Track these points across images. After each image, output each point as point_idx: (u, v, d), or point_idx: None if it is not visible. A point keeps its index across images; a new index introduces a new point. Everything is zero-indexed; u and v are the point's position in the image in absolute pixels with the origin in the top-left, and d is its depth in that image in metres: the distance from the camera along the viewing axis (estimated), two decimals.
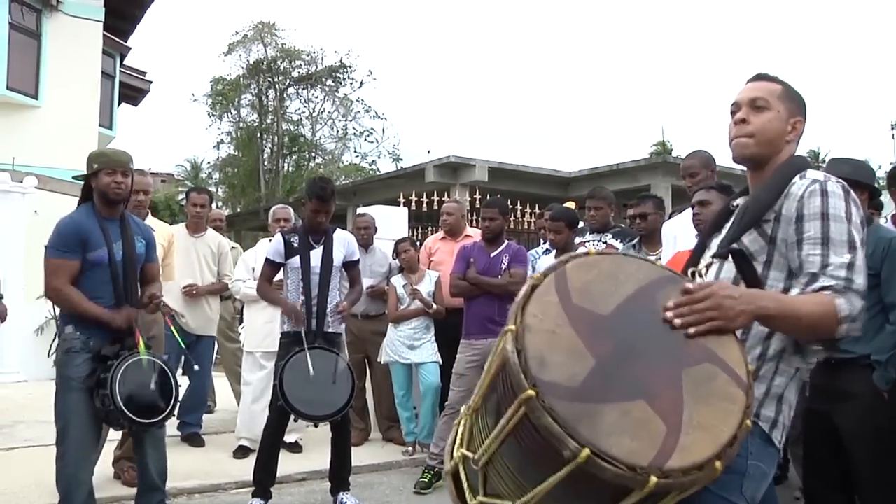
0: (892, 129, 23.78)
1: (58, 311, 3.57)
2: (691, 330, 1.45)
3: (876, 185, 3.20)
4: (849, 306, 1.51)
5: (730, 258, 1.70)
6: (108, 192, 3.32)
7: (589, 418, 1.29)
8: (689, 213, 3.53)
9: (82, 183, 3.47)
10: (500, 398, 1.46)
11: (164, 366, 3.35)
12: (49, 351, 3.46)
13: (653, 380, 1.36)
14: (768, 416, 1.63)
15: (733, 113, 1.80)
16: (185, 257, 5.24)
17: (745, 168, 1.86)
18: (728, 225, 1.82)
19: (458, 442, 1.63)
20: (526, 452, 1.39)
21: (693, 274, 1.67)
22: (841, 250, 1.56)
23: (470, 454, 1.54)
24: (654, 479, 1.25)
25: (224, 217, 5.95)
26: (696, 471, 1.29)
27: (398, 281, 5.43)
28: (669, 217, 4.42)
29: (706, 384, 1.38)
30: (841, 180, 1.66)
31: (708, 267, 1.77)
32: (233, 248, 6.27)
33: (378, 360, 5.49)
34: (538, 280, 1.49)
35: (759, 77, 1.84)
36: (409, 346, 5.26)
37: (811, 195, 1.62)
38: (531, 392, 1.30)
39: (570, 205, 5.46)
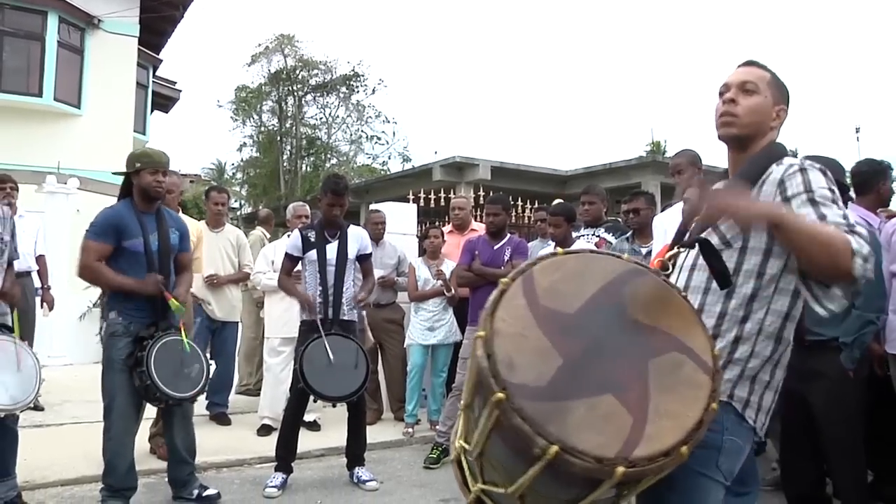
0: (857, 132, 23.68)
1: (95, 299, 3.62)
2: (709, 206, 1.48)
3: (845, 181, 3.19)
4: (858, 242, 1.40)
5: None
6: (150, 189, 3.37)
7: (557, 416, 1.25)
8: (678, 207, 3.52)
9: (122, 179, 3.52)
10: (482, 398, 1.41)
11: (193, 345, 3.40)
12: (98, 333, 3.54)
13: (620, 373, 1.31)
14: (741, 396, 1.57)
15: (722, 94, 1.72)
16: (207, 251, 5.25)
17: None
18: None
19: (458, 433, 1.60)
20: (509, 447, 1.36)
21: (664, 266, 1.60)
22: (833, 206, 1.49)
23: (467, 446, 1.52)
24: (620, 469, 1.21)
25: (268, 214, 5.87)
26: (662, 457, 1.25)
27: (419, 263, 5.45)
28: (663, 211, 4.40)
29: (673, 373, 1.33)
30: (811, 162, 1.61)
31: (675, 257, 1.68)
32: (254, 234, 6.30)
33: (404, 345, 5.49)
34: (507, 284, 1.42)
35: (750, 63, 1.76)
36: (428, 328, 5.25)
37: (792, 175, 1.56)
38: (500, 395, 1.27)
39: (558, 202, 5.47)
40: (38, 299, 5.62)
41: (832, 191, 1.53)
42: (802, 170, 1.56)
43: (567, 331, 1.35)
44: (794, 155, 1.71)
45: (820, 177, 1.55)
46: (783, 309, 1.57)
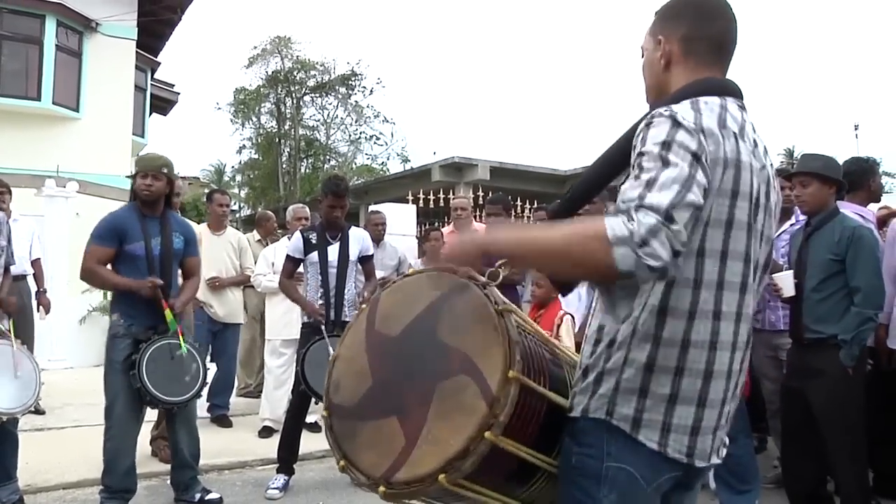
0: (856, 129, 23.66)
1: (96, 303, 3.62)
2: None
3: (842, 179, 3.20)
4: (624, 226, 1.07)
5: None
6: (139, 193, 3.43)
7: (352, 434, 1.37)
8: None
9: (129, 183, 3.58)
10: None
11: (190, 349, 3.40)
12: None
13: (410, 396, 1.32)
14: (625, 413, 1.25)
15: None
16: (209, 253, 5.23)
17: None
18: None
19: None
20: None
21: (493, 275, 1.38)
22: (644, 174, 1.14)
23: None
24: (382, 488, 1.28)
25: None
26: (417, 483, 1.25)
27: (418, 265, 5.47)
28: None
29: (453, 397, 1.27)
30: (680, 109, 1.22)
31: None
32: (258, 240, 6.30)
33: None
34: (360, 310, 1.52)
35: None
36: None
37: (638, 135, 1.22)
38: (324, 413, 1.44)
39: None
40: (34, 302, 5.61)
41: (666, 143, 1.15)
42: (648, 124, 1.21)
43: (385, 354, 1.41)
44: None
45: (660, 132, 1.17)
46: (656, 302, 1.23)
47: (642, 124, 1.22)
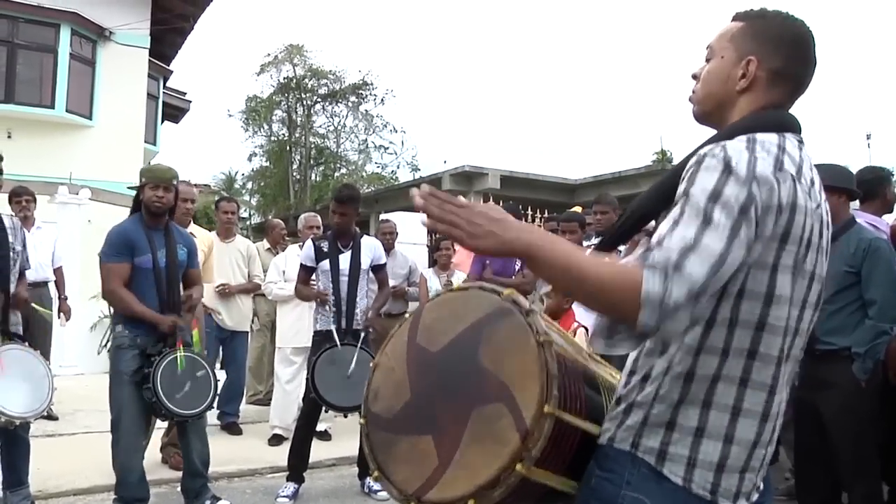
0: (868, 138, 23.42)
1: (110, 310, 3.65)
2: (425, 218, 1.19)
3: (854, 188, 3.20)
4: (660, 286, 1.07)
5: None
6: (150, 205, 3.41)
7: (387, 446, 1.40)
8: None
9: (134, 194, 3.59)
10: None
11: (202, 361, 3.44)
12: (99, 346, 3.59)
13: (446, 416, 1.34)
14: (651, 446, 1.25)
15: None
16: (218, 261, 5.27)
17: None
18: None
19: None
20: None
21: (540, 299, 1.47)
22: (690, 223, 1.12)
23: None
24: None
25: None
26: None
27: (430, 274, 5.51)
28: None
29: (488, 425, 1.28)
30: (735, 152, 1.18)
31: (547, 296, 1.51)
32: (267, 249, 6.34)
33: None
34: (403, 321, 1.53)
35: (733, 17, 1.37)
36: None
37: (688, 170, 1.20)
38: (361, 421, 1.48)
39: (577, 209, 5.52)
40: (55, 309, 5.69)
41: (713, 196, 1.14)
42: (699, 162, 1.18)
43: (424, 369, 1.42)
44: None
45: (709, 179, 1.15)
46: (693, 343, 1.23)
47: (693, 160, 1.20)
